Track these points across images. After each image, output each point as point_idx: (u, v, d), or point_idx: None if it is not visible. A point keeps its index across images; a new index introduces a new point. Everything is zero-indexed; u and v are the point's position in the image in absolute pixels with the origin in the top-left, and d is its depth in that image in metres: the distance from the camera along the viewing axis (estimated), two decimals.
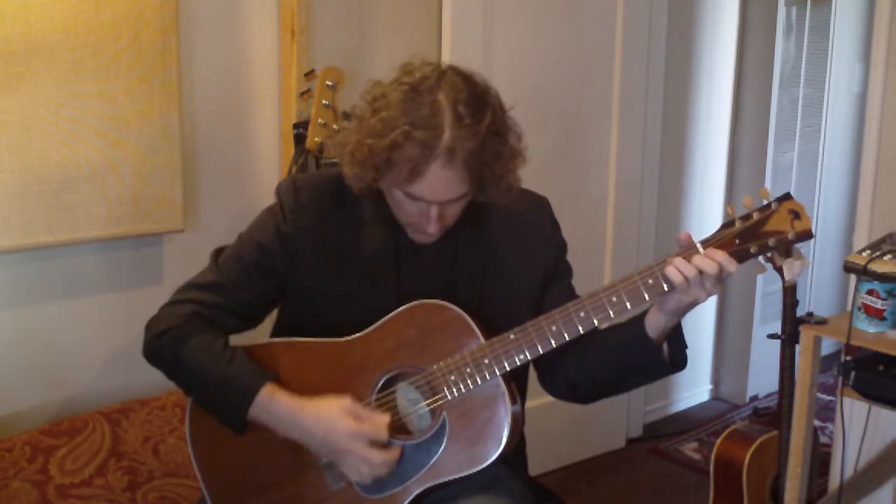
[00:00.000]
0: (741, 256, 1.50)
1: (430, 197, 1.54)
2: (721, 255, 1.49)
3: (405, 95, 1.51)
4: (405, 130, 1.48)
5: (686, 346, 1.63)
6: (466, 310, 1.62)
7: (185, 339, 1.65)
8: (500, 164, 1.55)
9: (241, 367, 1.64)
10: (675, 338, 1.62)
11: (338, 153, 1.62)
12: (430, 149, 1.48)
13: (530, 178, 1.87)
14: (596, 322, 1.55)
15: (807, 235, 1.49)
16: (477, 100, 1.52)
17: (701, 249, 1.50)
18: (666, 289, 1.51)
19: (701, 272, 1.48)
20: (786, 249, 2.09)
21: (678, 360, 1.63)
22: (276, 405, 1.61)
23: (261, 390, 1.61)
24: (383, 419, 1.59)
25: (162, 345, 1.66)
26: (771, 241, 1.49)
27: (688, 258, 1.49)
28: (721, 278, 1.49)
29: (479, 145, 1.50)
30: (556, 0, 3.13)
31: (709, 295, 1.50)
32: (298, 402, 1.61)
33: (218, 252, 1.75)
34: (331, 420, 1.58)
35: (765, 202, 1.51)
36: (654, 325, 1.58)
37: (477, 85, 1.55)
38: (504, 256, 1.71)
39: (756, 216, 1.50)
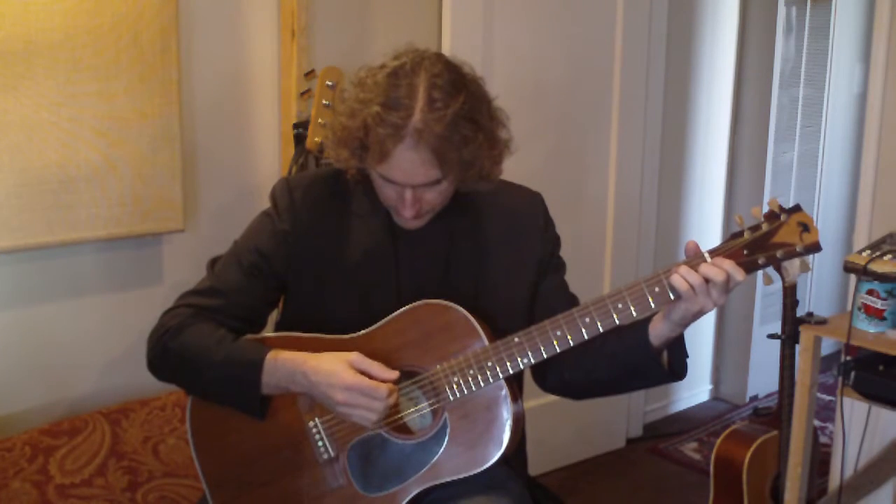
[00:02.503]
0: (749, 267, 1.50)
1: (401, 179, 1.55)
2: (728, 264, 1.48)
3: (385, 79, 1.54)
4: (376, 111, 1.51)
5: (687, 356, 1.63)
6: (462, 299, 1.63)
7: (185, 330, 1.66)
8: (470, 150, 1.54)
9: (243, 343, 1.65)
10: (677, 346, 1.62)
11: (330, 139, 1.64)
12: (398, 129, 1.50)
13: (530, 178, 1.88)
14: (601, 328, 1.55)
15: (815, 248, 1.49)
16: (452, 85, 1.53)
17: (708, 258, 1.50)
18: (672, 297, 1.51)
19: (707, 280, 1.48)
20: None
21: (678, 368, 1.63)
22: (280, 363, 1.61)
23: (266, 357, 1.61)
24: (388, 375, 1.57)
25: (163, 344, 1.66)
26: (779, 253, 1.49)
27: (694, 266, 1.49)
28: (728, 287, 1.49)
29: (447, 129, 1.50)
30: (555, 1, 3.13)
31: (715, 304, 1.50)
32: (302, 356, 1.60)
33: (214, 261, 1.76)
34: (331, 372, 1.57)
35: (774, 213, 1.51)
36: (658, 333, 1.58)
37: (457, 72, 1.57)
38: (498, 246, 1.72)
39: (765, 227, 1.50)
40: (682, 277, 1.49)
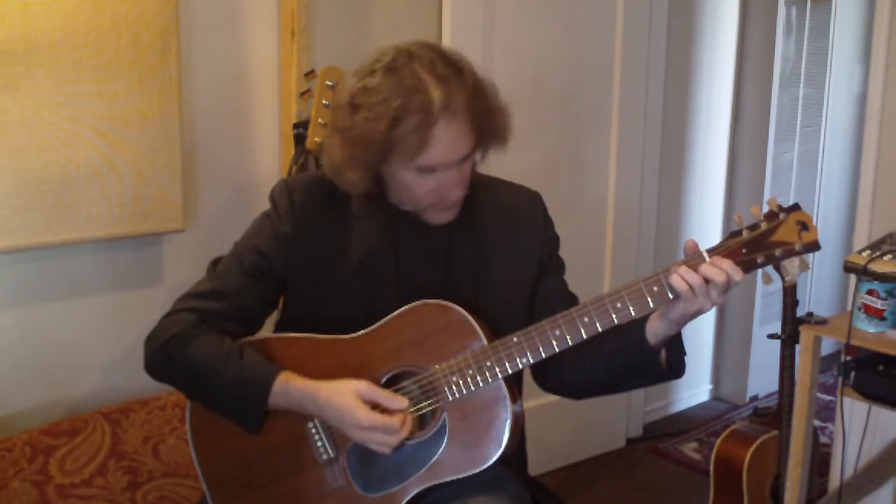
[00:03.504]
0: (748, 266, 1.49)
1: (446, 159, 1.56)
2: (727, 264, 1.48)
3: (383, 77, 1.54)
4: (398, 105, 1.51)
5: (685, 354, 1.63)
6: (461, 299, 1.63)
7: (190, 342, 1.65)
8: (490, 111, 1.60)
9: (252, 361, 1.64)
10: (675, 345, 1.61)
11: (331, 170, 1.63)
12: (428, 112, 1.51)
13: (530, 178, 1.88)
14: (599, 328, 1.54)
15: (814, 247, 1.48)
16: (450, 60, 1.57)
17: (707, 258, 1.50)
18: (671, 297, 1.51)
19: (707, 280, 1.48)
20: None
21: (677, 366, 1.63)
22: (291, 390, 1.62)
23: (276, 380, 1.62)
24: (398, 404, 1.58)
25: (167, 353, 1.66)
26: (778, 252, 1.48)
27: (693, 266, 1.49)
28: (727, 287, 1.49)
29: (471, 94, 1.54)
30: (555, 1, 3.14)
31: (714, 304, 1.50)
32: (314, 387, 1.61)
33: (215, 262, 1.75)
34: (344, 409, 1.58)
35: (773, 212, 1.50)
36: (656, 331, 1.58)
37: (446, 50, 1.61)
38: (497, 246, 1.72)
39: (764, 226, 1.49)
40: (682, 278, 1.48)
